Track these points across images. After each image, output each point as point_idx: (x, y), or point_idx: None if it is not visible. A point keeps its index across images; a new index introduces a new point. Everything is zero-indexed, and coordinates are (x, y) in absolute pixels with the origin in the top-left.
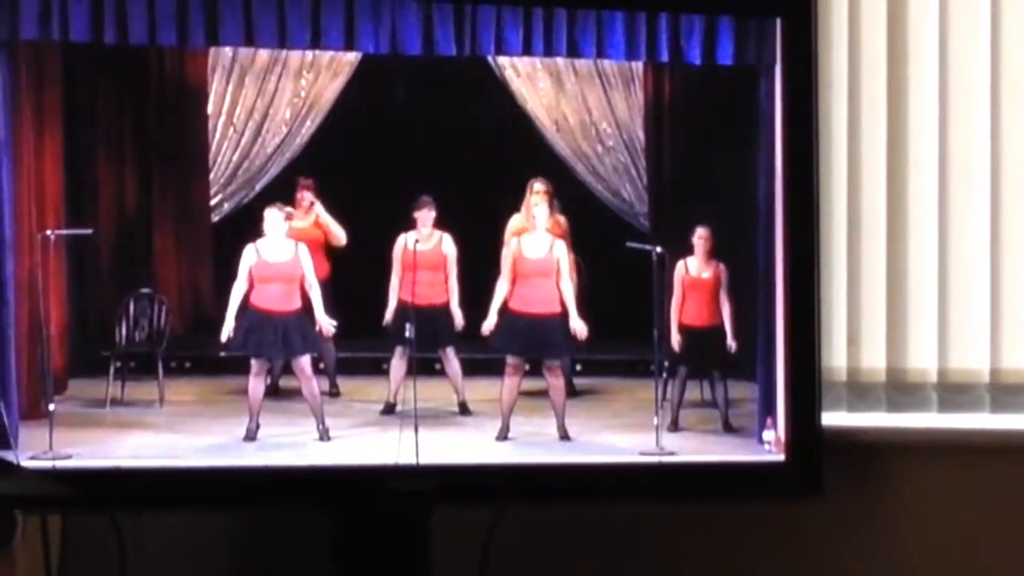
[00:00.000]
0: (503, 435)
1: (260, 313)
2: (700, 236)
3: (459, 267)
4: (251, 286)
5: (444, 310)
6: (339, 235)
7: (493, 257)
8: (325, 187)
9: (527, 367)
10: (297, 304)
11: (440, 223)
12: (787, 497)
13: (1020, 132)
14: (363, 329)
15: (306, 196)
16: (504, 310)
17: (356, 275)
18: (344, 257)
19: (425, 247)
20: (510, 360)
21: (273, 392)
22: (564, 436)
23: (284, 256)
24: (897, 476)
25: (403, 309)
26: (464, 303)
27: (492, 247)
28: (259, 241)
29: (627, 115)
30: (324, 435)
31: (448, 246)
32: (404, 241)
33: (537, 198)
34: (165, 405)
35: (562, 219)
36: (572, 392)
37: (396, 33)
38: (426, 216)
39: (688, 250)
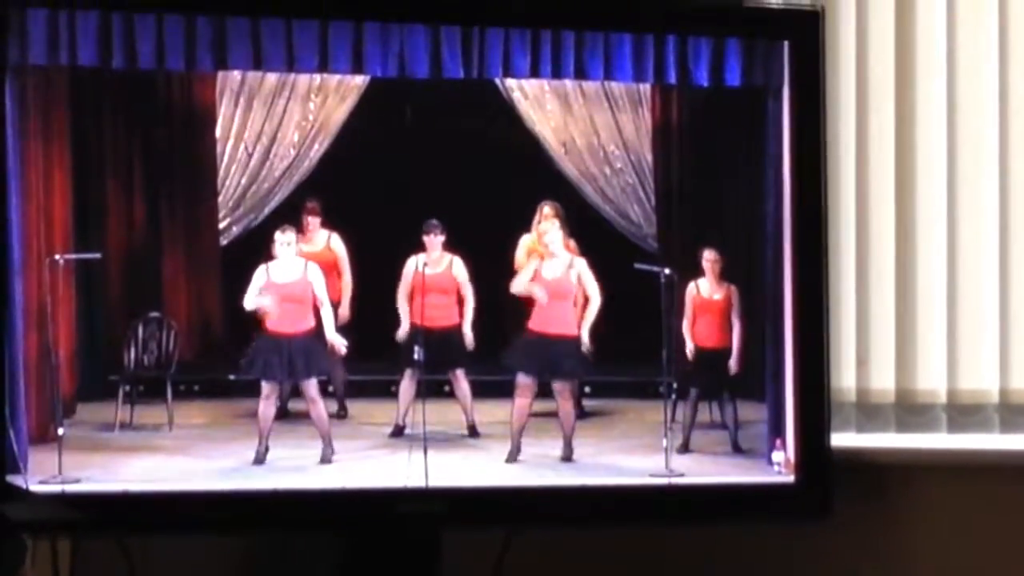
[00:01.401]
0: (512, 457)
1: (269, 335)
2: (709, 258)
3: (475, 287)
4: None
5: (455, 332)
6: (347, 279)
7: (500, 277)
8: (333, 210)
9: (537, 389)
10: (307, 326)
11: (449, 245)
12: (797, 518)
13: None
14: (371, 351)
15: (311, 221)
16: (522, 331)
17: (365, 297)
18: (354, 279)
19: (435, 270)
20: (521, 381)
21: (283, 415)
22: (572, 458)
23: (292, 276)
24: (907, 496)
25: (413, 331)
26: (473, 324)
27: (499, 268)
28: (270, 263)
29: (635, 137)
30: (330, 458)
31: (458, 269)
32: (414, 264)
33: (547, 224)
34: (174, 429)
35: (572, 243)
36: (581, 414)
37: (404, 56)
38: (433, 240)
39: (698, 271)
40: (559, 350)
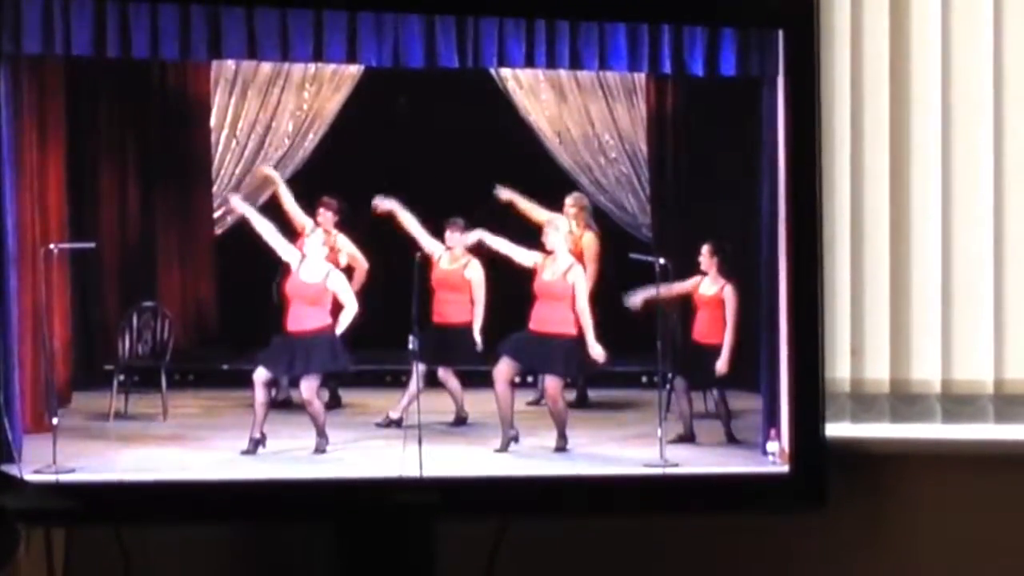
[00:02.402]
0: (504, 447)
1: (284, 335)
2: (707, 252)
3: (487, 293)
4: (285, 304)
5: (465, 330)
6: (359, 276)
7: (492, 267)
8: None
9: (519, 378)
10: (316, 324)
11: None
12: (791, 508)
13: None
14: (373, 343)
15: (326, 217)
16: (524, 328)
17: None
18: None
19: (449, 267)
20: (502, 363)
21: (284, 405)
22: (567, 448)
23: (315, 278)
24: (901, 487)
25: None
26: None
27: (492, 258)
28: (304, 260)
29: (630, 126)
30: (324, 448)
31: (473, 272)
32: (433, 257)
33: (560, 222)
34: (169, 418)
35: (588, 236)
36: (580, 403)
37: (398, 46)
38: (451, 236)
39: (694, 262)
40: (553, 348)
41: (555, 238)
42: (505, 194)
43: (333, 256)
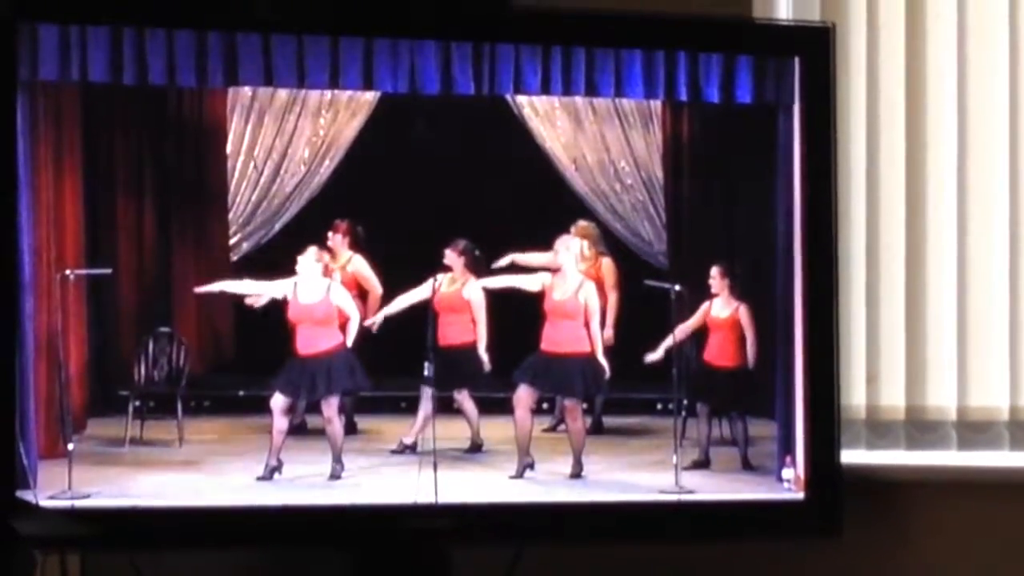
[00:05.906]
0: (520, 473)
1: (297, 359)
2: (718, 274)
3: (488, 312)
4: (293, 329)
5: (470, 351)
6: (373, 297)
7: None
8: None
9: (537, 405)
10: (329, 344)
11: (468, 265)
12: (807, 535)
13: None
14: (385, 368)
15: (337, 239)
16: (536, 350)
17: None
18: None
19: (449, 289)
20: (520, 392)
21: (299, 430)
22: (582, 475)
23: (315, 297)
24: (916, 514)
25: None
26: (488, 347)
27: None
28: (298, 283)
29: (645, 153)
30: (340, 474)
31: (471, 291)
32: (435, 280)
33: (570, 241)
34: (184, 444)
35: (605, 262)
36: (595, 430)
37: (414, 72)
38: (450, 255)
39: (709, 288)
40: (569, 368)
41: (565, 256)
42: (503, 261)
43: (328, 271)
